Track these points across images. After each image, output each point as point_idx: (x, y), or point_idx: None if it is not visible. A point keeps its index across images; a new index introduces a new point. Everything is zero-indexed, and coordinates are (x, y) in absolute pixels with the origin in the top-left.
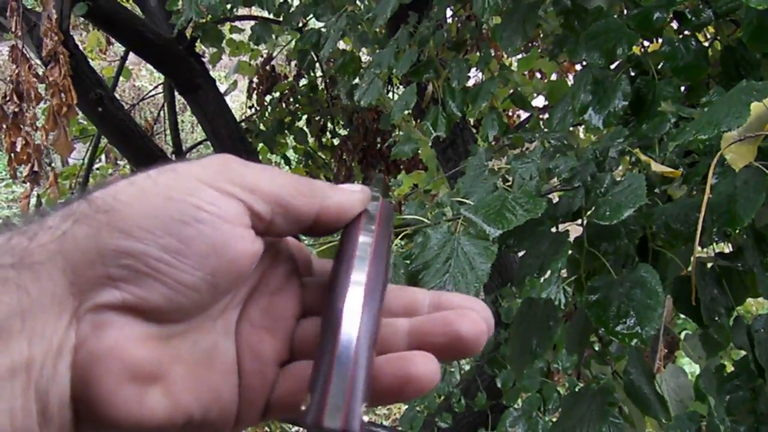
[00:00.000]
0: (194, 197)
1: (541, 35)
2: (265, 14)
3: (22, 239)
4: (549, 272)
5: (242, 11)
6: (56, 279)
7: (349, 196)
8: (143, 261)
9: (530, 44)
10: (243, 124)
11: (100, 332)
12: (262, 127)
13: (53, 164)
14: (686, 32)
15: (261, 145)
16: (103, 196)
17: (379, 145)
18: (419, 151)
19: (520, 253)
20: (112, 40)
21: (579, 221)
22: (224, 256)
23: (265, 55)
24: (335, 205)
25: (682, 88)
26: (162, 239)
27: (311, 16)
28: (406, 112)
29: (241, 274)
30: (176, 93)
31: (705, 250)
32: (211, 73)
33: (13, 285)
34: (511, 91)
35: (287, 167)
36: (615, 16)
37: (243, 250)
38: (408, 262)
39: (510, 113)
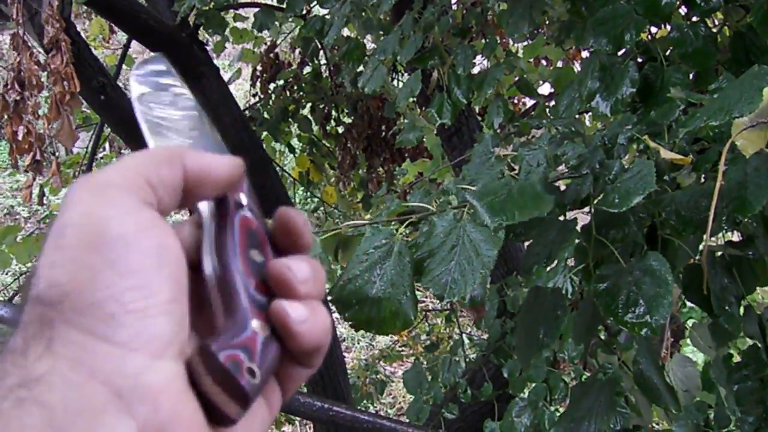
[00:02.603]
0: (103, 236)
1: (547, 22)
2: (269, 1)
3: (15, 358)
4: (556, 261)
5: None
6: (73, 380)
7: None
8: (130, 309)
9: (536, 31)
10: (247, 112)
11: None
12: (266, 115)
13: (57, 153)
14: (695, 18)
15: (265, 133)
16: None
17: (383, 133)
18: (424, 139)
19: (527, 243)
20: (115, 28)
21: (587, 209)
22: (170, 258)
23: (268, 43)
24: (194, 158)
25: (691, 75)
26: (123, 283)
27: (315, 2)
28: (410, 99)
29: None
30: None
31: (714, 238)
32: (215, 61)
33: (31, 404)
34: (517, 78)
35: (292, 155)
36: (623, 1)
37: (174, 245)
38: (413, 250)
39: (516, 101)
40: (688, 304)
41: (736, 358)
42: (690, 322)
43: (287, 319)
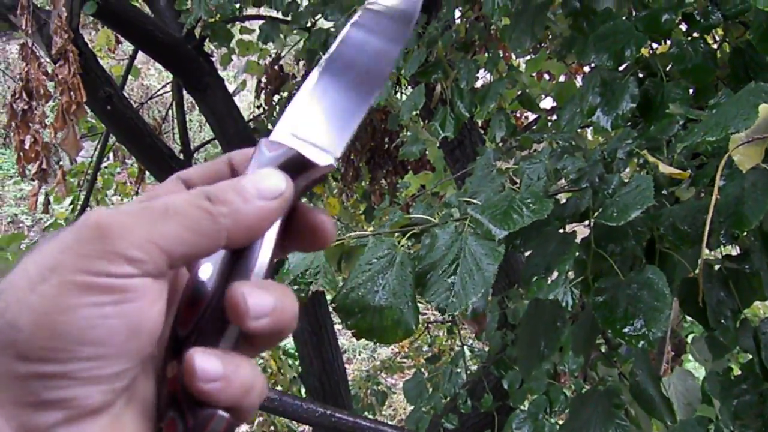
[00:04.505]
0: (87, 297)
1: (550, 37)
2: (274, 13)
3: None
4: (556, 273)
5: (251, 11)
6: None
7: (260, 210)
8: (73, 377)
9: (539, 45)
10: (251, 123)
11: None
12: (270, 126)
13: (62, 162)
14: (695, 34)
15: None
16: None
17: (386, 146)
18: (427, 152)
19: (527, 253)
20: (122, 38)
21: (586, 222)
22: (142, 332)
23: (273, 55)
24: (244, 229)
25: (691, 90)
26: (81, 352)
27: (320, 15)
28: (414, 112)
29: (159, 328)
30: (184, 92)
31: (712, 252)
32: (220, 72)
33: None
34: (519, 92)
35: None
36: (623, 17)
37: (156, 316)
38: (416, 262)
39: (518, 114)
40: (689, 317)
41: (737, 371)
42: (691, 336)
43: (193, 377)
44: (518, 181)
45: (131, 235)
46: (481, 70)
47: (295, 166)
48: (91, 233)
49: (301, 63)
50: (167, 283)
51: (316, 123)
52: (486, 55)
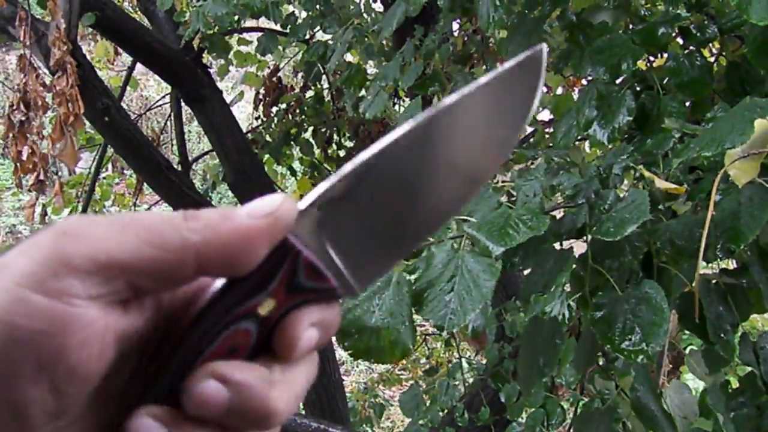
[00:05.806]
0: (13, 317)
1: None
2: (273, 26)
3: None
4: (553, 288)
5: (249, 23)
6: None
7: (239, 226)
8: None
9: None
10: (249, 135)
11: None
12: (268, 138)
13: (60, 173)
14: (691, 48)
15: (267, 156)
16: None
17: None
18: None
19: (526, 271)
20: (120, 50)
21: (583, 238)
22: (55, 370)
23: (271, 67)
24: (219, 248)
25: (687, 104)
26: None
27: (318, 28)
28: None
29: (91, 376)
30: (183, 103)
31: (710, 265)
32: (218, 84)
33: None
34: None
35: (293, 178)
36: (620, 31)
37: (84, 357)
38: (412, 280)
39: None
40: (688, 331)
41: (734, 384)
42: (689, 349)
43: None
44: (514, 196)
45: (85, 241)
46: None
47: (323, 298)
48: (48, 238)
49: (300, 75)
50: (124, 320)
51: (363, 239)
52: (483, 67)
